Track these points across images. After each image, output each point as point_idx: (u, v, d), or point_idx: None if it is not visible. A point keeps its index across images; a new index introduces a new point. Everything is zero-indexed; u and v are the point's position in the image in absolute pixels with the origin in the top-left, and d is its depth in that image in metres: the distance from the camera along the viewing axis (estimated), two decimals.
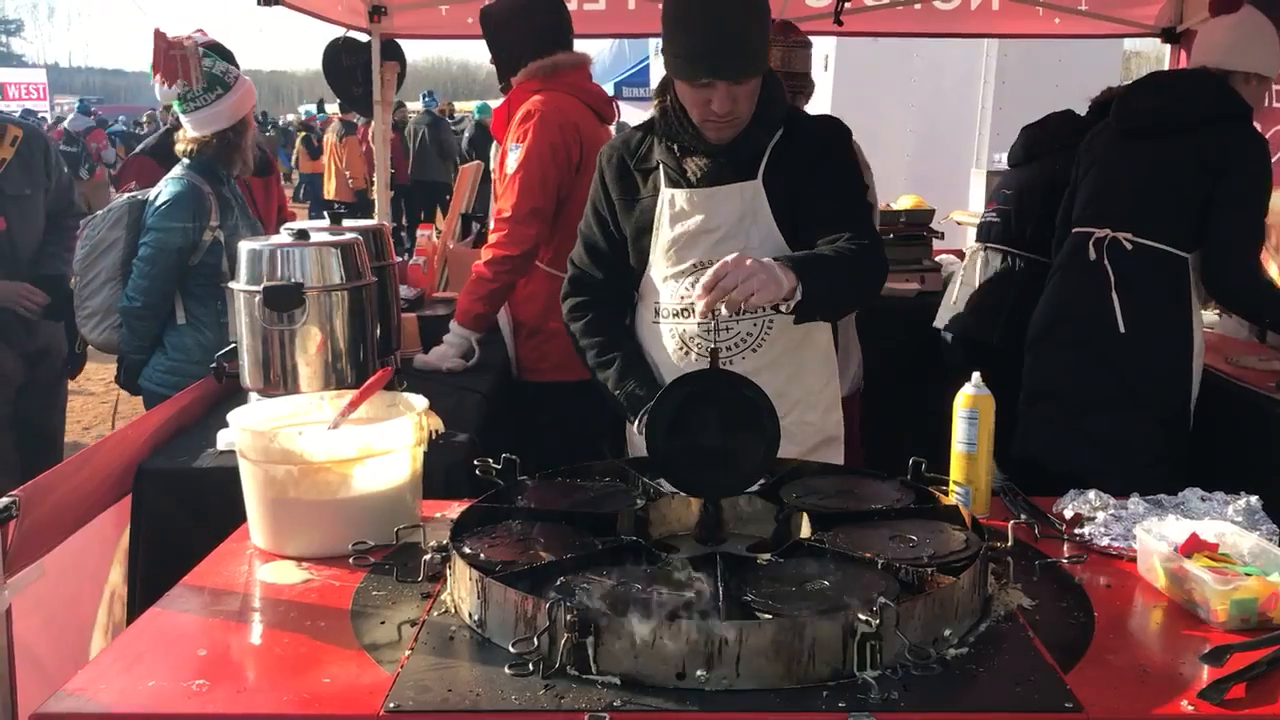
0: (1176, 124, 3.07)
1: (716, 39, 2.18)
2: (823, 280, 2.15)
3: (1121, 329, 3.00)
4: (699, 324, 2.38)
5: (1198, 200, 2.99)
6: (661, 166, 2.40)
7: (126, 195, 3.52)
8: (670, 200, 2.38)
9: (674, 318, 2.43)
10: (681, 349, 2.43)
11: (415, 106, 17.25)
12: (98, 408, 7.39)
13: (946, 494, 2.09)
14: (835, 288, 2.22)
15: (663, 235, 2.40)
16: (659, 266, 2.43)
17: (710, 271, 2.02)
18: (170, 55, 3.23)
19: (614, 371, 2.45)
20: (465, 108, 21.40)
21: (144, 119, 20.67)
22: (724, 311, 2.04)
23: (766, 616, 1.53)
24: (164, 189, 3.44)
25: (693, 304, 2.30)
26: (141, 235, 3.39)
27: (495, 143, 3.64)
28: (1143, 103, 3.22)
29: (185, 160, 3.50)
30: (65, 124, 17.89)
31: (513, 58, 3.42)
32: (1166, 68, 5.21)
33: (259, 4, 3.51)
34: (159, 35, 3.25)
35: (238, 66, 3.65)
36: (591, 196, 2.54)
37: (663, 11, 2.26)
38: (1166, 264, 3.03)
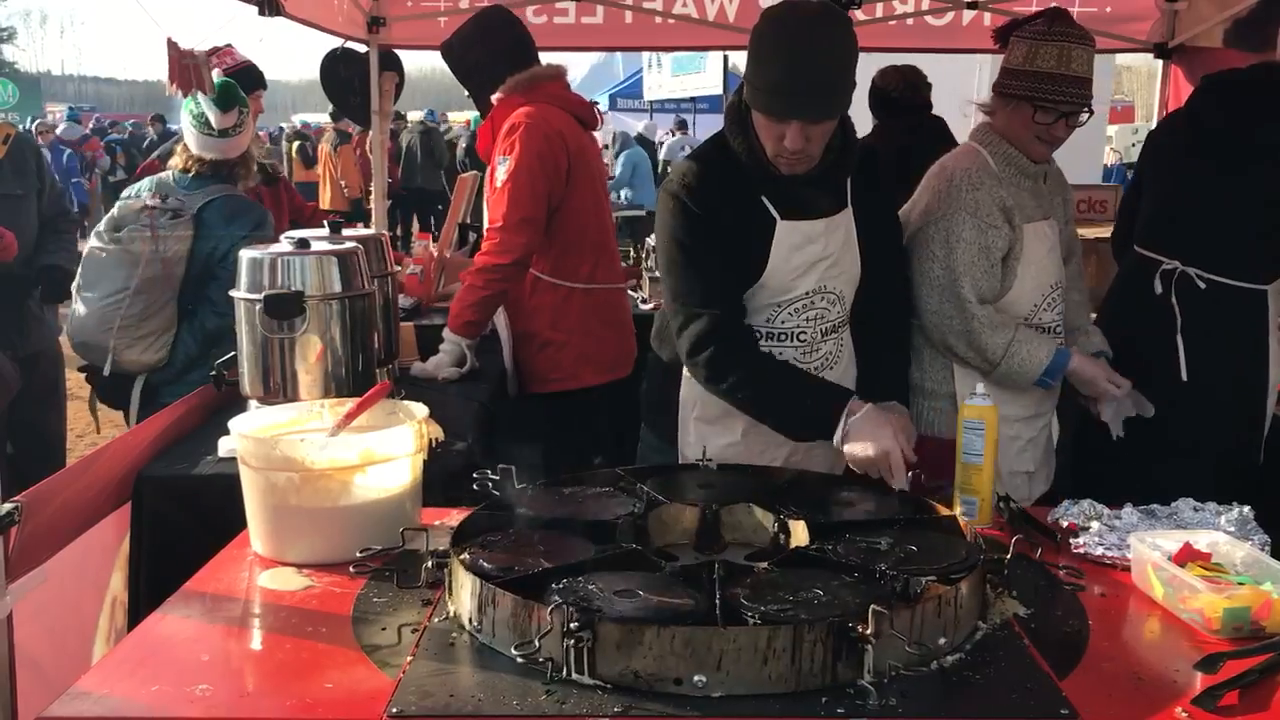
0: (1252, 142, 2.79)
1: (803, 80, 2.18)
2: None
3: (1184, 377, 2.78)
4: (795, 346, 2.44)
5: (1277, 229, 2.76)
6: (766, 199, 2.36)
7: (171, 213, 3.40)
8: (793, 230, 2.37)
9: (768, 340, 2.43)
10: None
11: (414, 116, 17.28)
12: (88, 415, 7.36)
13: (944, 504, 2.11)
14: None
15: (781, 264, 2.38)
16: (762, 295, 2.40)
17: (890, 454, 2.17)
18: (184, 65, 3.25)
19: (804, 383, 2.37)
20: (458, 118, 21.47)
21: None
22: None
23: (764, 624, 1.54)
24: (243, 211, 3.44)
25: (793, 330, 2.44)
26: (227, 251, 3.32)
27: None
28: (1213, 116, 2.91)
29: (208, 175, 3.50)
30: (59, 132, 17.78)
31: (487, 77, 3.46)
32: (1159, 83, 5.26)
33: (260, 14, 3.53)
34: (172, 45, 3.27)
35: (264, 84, 3.70)
36: (695, 233, 2.34)
37: (751, 41, 2.26)
38: (1244, 300, 2.79)
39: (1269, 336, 2.82)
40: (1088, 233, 4.46)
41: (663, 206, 2.41)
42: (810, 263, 2.40)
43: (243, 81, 3.72)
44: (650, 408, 2.69)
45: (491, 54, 3.44)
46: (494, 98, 3.45)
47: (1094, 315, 3.03)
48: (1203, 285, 2.79)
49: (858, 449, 2.18)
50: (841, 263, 2.44)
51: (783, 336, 2.43)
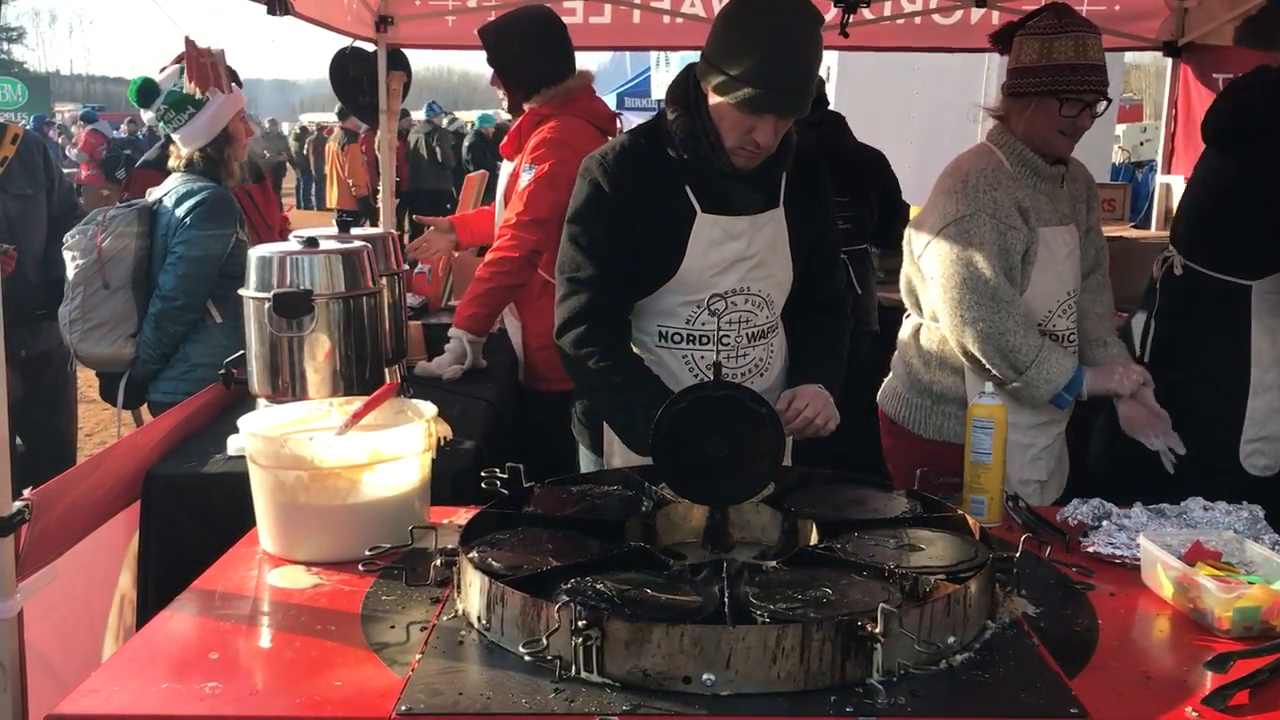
0: (1244, 133, 2.75)
1: (788, 76, 2.14)
2: (840, 381, 2.46)
3: (1137, 353, 2.77)
4: (717, 350, 2.29)
5: (1251, 221, 2.70)
6: (690, 189, 2.29)
7: (125, 204, 3.48)
8: (713, 225, 2.30)
9: (688, 344, 2.37)
10: (696, 375, 2.37)
11: (418, 115, 17.31)
12: (99, 415, 7.39)
13: (954, 503, 2.10)
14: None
15: (699, 260, 2.31)
16: (680, 290, 2.34)
17: (799, 405, 2.29)
18: (201, 63, 3.28)
19: (651, 392, 2.22)
20: (467, 117, 21.48)
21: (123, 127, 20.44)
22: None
23: (773, 622, 1.54)
24: (193, 193, 3.43)
25: (713, 333, 2.30)
26: (177, 237, 3.37)
27: (502, 159, 3.71)
28: (1217, 108, 2.91)
29: (182, 171, 3.52)
30: (97, 128, 17.71)
31: (522, 78, 3.50)
32: (1168, 81, 5.25)
33: (269, 13, 3.54)
34: (189, 44, 3.31)
35: (238, 80, 3.68)
36: (601, 216, 2.31)
37: (725, 33, 2.18)
38: (1222, 293, 2.76)
39: (1251, 335, 2.75)
40: None
41: (580, 177, 2.36)
42: (730, 261, 2.32)
43: None
44: None
45: (530, 61, 3.47)
46: (525, 105, 3.50)
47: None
48: (1179, 271, 2.83)
49: None
50: (768, 264, 2.36)
51: (704, 340, 2.35)
